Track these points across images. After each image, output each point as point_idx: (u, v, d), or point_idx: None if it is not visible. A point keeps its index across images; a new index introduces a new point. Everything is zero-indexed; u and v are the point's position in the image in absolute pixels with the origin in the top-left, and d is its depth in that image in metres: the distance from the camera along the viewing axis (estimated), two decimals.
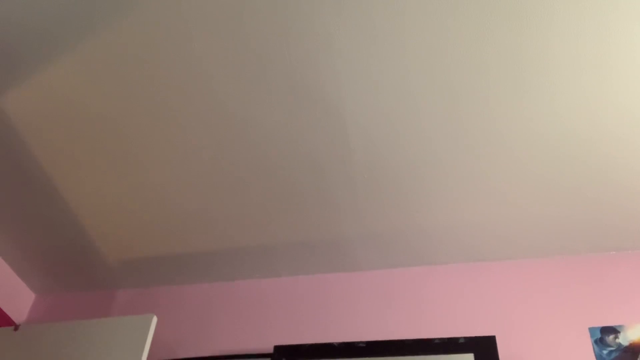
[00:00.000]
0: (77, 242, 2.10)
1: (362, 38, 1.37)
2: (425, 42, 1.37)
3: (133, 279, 2.24)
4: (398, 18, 1.32)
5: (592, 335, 1.71)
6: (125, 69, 1.51)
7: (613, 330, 1.70)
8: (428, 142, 1.60)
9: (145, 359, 1.69)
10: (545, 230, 1.83)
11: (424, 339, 1.80)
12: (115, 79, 1.53)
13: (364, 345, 1.84)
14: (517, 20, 1.30)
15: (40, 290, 2.36)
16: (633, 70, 1.37)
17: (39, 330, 1.89)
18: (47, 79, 1.55)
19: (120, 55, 1.47)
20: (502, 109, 1.49)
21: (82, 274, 2.25)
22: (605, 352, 1.67)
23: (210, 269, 2.14)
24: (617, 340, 1.68)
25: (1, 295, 2.20)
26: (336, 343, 1.87)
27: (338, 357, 1.84)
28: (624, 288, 1.79)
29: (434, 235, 1.89)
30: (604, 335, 1.70)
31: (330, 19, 1.34)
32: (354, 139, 1.61)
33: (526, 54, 1.36)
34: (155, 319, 1.78)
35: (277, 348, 1.90)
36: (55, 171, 1.83)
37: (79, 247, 2.12)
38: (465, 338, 1.77)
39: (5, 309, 2.19)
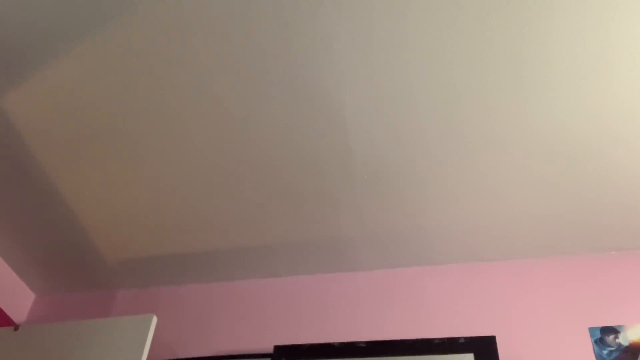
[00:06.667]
0: (77, 242, 2.10)
1: (362, 38, 1.37)
2: (425, 42, 1.37)
3: (133, 279, 2.24)
4: (398, 18, 1.32)
5: (592, 335, 1.71)
6: (126, 69, 1.51)
7: (613, 330, 1.70)
8: (428, 142, 1.60)
9: (145, 359, 1.69)
10: (545, 230, 1.83)
11: (424, 339, 1.80)
12: (115, 79, 1.53)
13: (364, 345, 1.84)
14: (517, 20, 1.30)
15: (40, 290, 2.36)
16: (633, 71, 1.37)
17: (39, 330, 1.89)
18: (47, 79, 1.55)
19: (121, 55, 1.47)
20: (501, 109, 1.49)
21: (82, 274, 2.25)
22: (605, 352, 1.67)
23: (210, 269, 2.14)
24: (617, 340, 1.68)
25: (1, 295, 2.20)
26: (336, 343, 1.87)
27: (338, 357, 1.84)
28: (624, 288, 1.79)
29: (434, 235, 1.89)
30: (604, 335, 1.70)
31: (330, 19, 1.34)
32: (354, 139, 1.61)
33: (526, 54, 1.36)
34: (155, 319, 1.78)
35: (277, 348, 1.90)
36: (55, 171, 1.83)
37: (79, 247, 2.12)
38: (465, 338, 1.77)
39: (5, 309, 2.19)
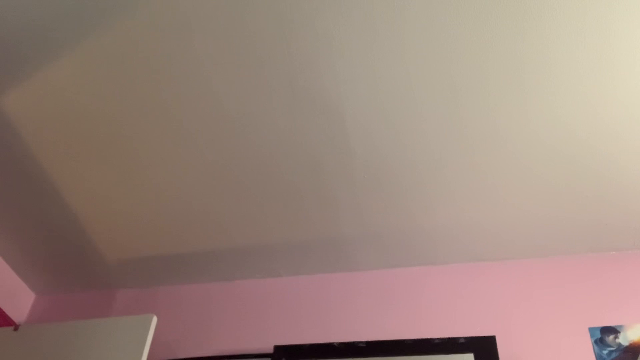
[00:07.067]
0: (77, 242, 2.10)
1: (362, 38, 1.37)
2: (426, 42, 1.37)
3: (133, 279, 2.24)
4: (398, 18, 1.32)
5: (592, 335, 1.71)
6: (125, 69, 1.51)
7: (613, 330, 1.70)
8: (428, 142, 1.60)
9: (145, 359, 1.69)
10: (545, 230, 1.83)
11: (424, 339, 1.80)
12: (115, 79, 1.53)
13: (364, 345, 1.84)
14: (518, 21, 1.30)
15: (40, 290, 2.36)
16: (633, 71, 1.37)
17: (39, 330, 1.89)
18: (47, 79, 1.55)
19: (121, 55, 1.47)
20: (502, 109, 1.49)
21: (82, 274, 2.25)
22: (605, 352, 1.67)
23: (210, 269, 2.14)
24: (617, 340, 1.68)
25: (1, 295, 2.20)
26: (336, 343, 1.87)
27: (338, 357, 1.84)
28: (624, 288, 1.79)
29: (434, 235, 1.89)
30: (604, 335, 1.70)
31: (330, 19, 1.34)
32: (354, 139, 1.61)
33: (527, 54, 1.36)
34: (155, 319, 1.78)
35: (277, 348, 1.90)
36: (55, 171, 1.83)
37: (79, 247, 2.12)
38: (465, 338, 1.77)
39: (5, 309, 2.19)
